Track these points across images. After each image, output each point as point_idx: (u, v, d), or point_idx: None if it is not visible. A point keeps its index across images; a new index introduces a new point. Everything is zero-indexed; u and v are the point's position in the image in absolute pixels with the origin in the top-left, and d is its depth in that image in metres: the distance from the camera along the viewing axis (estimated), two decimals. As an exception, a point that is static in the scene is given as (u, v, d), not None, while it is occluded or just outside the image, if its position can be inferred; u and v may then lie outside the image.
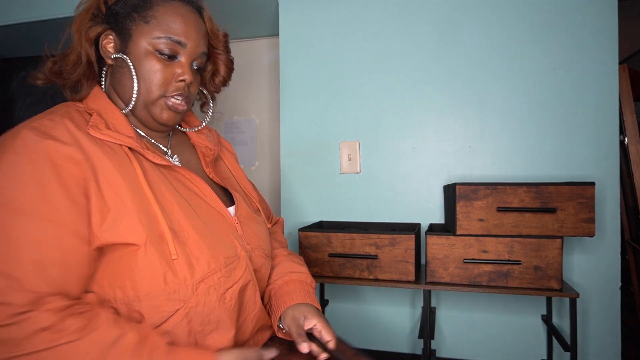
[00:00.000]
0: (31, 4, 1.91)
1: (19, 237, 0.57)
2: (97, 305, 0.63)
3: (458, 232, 1.25)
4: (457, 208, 1.24)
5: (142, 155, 0.72)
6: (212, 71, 0.87)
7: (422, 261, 1.55)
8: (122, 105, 0.76)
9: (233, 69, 0.90)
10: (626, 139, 2.28)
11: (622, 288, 1.42)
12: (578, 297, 1.20)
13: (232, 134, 2.23)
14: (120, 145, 0.69)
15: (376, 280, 1.31)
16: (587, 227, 1.19)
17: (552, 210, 1.19)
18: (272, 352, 0.73)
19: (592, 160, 1.44)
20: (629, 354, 2.24)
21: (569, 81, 1.46)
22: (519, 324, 1.50)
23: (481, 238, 1.24)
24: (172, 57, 0.75)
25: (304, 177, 1.70)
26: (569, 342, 1.21)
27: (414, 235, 1.29)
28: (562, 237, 1.20)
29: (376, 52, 1.63)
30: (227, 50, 0.87)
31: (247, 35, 2.14)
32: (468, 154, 1.54)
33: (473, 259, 1.25)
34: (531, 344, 1.49)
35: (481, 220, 1.23)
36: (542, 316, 1.48)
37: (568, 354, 1.21)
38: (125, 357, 0.58)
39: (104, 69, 0.78)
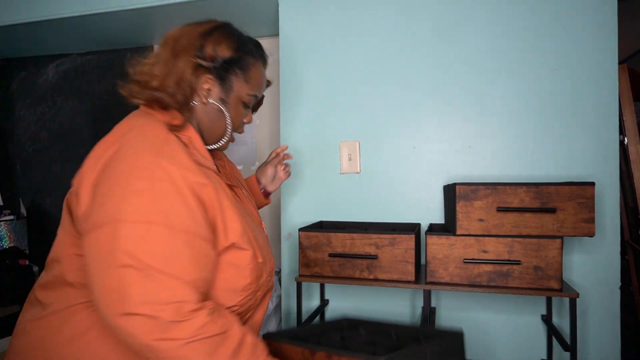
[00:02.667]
0: (31, 4, 1.91)
1: (184, 251, 0.71)
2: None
3: (458, 232, 1.25)
4: (457, 208, 1.24)
5: (219, 176, 0.86)
6: None
7: (422, 261, 1.55)
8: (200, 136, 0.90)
9: (262, 103, 1.08)
10: (626, 139, 2.28)
11: (621, 288, 1.42)
12: (578, 297, 1.20)
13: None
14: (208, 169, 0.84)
15: (376, 280, 1.31)
16: (587, 227, 1.19)
17: (552, 210, 1.19)
18: None
19: (592, 160, 1.44)
20: (629, 354, 2.24)
21: (569, 81, 1.46)
22: (519, 324, 1.50)
23: (481, 238, 1.24)
24: (247, 107, 0.96)
25: (304, 177, 1.70)
26: (569, 342, 1.21)
27: (413, 235, 1.29)
28: (562, 237, 1.20)
29: (376, 52, 1.63)
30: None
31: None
32: (468, 154, 1.54)
33: (473, 259, 1.25)
34: (531, 344, 1.49)
35: (481, 220, 1.23)
36: (542, 316, 1.48)
37: (568, 354, 1.21)
38: (247, 353, 0.73)
39: (193, 103, 0.88)
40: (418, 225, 1.51)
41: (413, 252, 1.28)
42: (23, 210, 2.47)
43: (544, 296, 1.32)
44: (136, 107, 0.89)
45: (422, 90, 1.59)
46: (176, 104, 0.84)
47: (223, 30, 0.91)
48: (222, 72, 0.88)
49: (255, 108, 1.05)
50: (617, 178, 1.43)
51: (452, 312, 1.56)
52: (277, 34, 2.08)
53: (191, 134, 0.85)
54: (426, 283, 1.28)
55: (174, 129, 0.82)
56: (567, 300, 1.42)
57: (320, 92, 1.69)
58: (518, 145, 1.50)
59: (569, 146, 1.46)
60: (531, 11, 1.49)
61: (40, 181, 2.50)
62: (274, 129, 2.17)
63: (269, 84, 1.05)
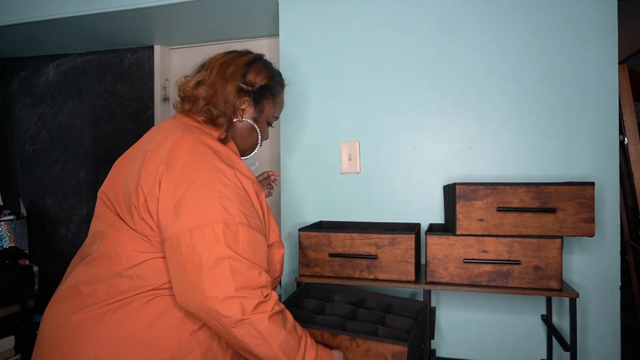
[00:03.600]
0: (31, 4, 1.91)
1: (259, 246, 0.88)
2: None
3: (458, 232, 1.25)
4: (457, 208, 1.24)
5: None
6: None
7: (422, 261, 1.55)
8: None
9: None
10: (626, 139, 2.28)
11: (621, 288, 1.42)
12: (578, 297, 1.20)
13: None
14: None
15: (376, 280, 1.31)
16: (587, 227, 1.19)
17: (552, 210, 1.19)
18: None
19: (592, 160, 1.44)
20: (629, 354, 2.24)
21: (569, 81, 1.46)
22: (519, 324, 1.50)
23: (481, 238, 1.24)
24: (271, 126, 1.18)
25: (304, 177, 1.70)
26: (569, 342, 1.21)
27: (413, 235, 1.29)
28: (562, 237, 1.20)
29: (376, 52, 1.63)
30: None
31: (247, 35, 2.15)
32: (468, 154, 1.54)
33: (473, 259, 1.25)
34: (531, 344, 1.49)
35: (481, 220, 1.23)
36: (542, 316, 1.48)
37: (568, 354, 1.21)
38: (298, 326, 0.91)
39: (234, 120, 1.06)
40: (418, 225, 1.51)
41: (413, 252, 1.28)
42: (23, 210, 2.47)
43: (544, 296, 1.32)
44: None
45: (422, 90, 1.59)
46: (224, 119, 1.01)
47: (262, 62, 1.11)
48: (258, 96, 1.08)
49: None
50: (617, 178, 1.43)
51: (452, 312, 1.56)
52: (277, 34, 2.08)
53: (234, 148, 1.04)
54: (426, 283, 1.28)
55: (222, 142, 1.00)
56: (567, 300, 1.42)
57: (320, 92, 1.69)
58: (518, 145, 1.50)
59: (569, 146, 1.46)
60: (531, 11, 1.49)
61: (40, 181, 2.50)
62: (273, 129, 2.16)
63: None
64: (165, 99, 2.34)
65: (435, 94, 1.57)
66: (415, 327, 1.10)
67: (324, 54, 1.69)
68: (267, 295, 0.85)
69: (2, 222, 2.31)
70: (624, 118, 2.25)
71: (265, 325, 0.82)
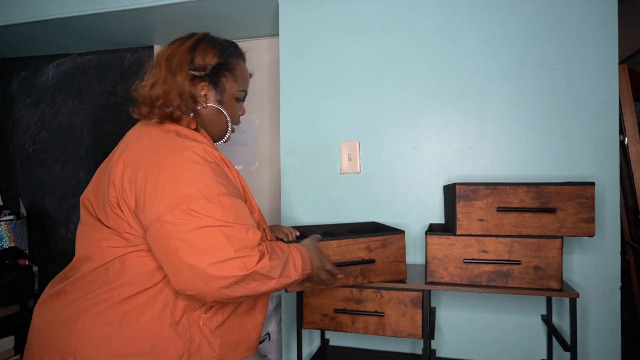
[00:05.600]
0: (31, 4, 1.91)
1: (242, 206, 0.90)
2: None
3: (458, 232, 1.25)
4: (457, 208, 1.24)
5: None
6: None
7: (422, 261, 1.55)
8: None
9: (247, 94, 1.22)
10: (626, 139, 2.28)
11: (622, 288, 1.42)
12: (578, 297, 1.20)
13: (232, 133, 2.23)
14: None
15: (370, 283, 1.27)
16: (587, 227, 1.19)
17: (552, 210, 1.19)
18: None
19: (592, 160, 1.44)
20: (629, 354, 2.24)
21: (569, 81, 1.46)
22: (519, 324, 1.50)
23: (481, 238, 1.24)
24: (240, 100, 1.10)
25: (304, 177, 1.70)
26: (569, 342, 1.21)
27: (404, 234, 1.29)
28: (562, 237, 1.20)
29: (376, 52, 1.63)
30: None
31: (247, 35, 2.14)
32: (468, 154, 1.54)
33: (473, 259, 1.25)
34: (531, 344, 1.49)
35: (481, 220, 1.23)
36: (542, 316, 1.48)
37: (568, 354, 1.21)
38: (287, 256, 0.95)
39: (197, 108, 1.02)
40: (373, 224, 1.50)
41: (404, 251, 1.30)
42: (23, 210, 2.47)
43: (544, 296, 1.31)
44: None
45: (422, 90, 1.59)
46: (184, 114, 0.98)
47: (206, 41, 1.04)
48: (214, 77, 1.02)
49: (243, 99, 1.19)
50: (617, 178, 1.43)
51: (452, 312, 1.56)
52: (277, 34, 2.08)
53: (205, 135, 1.02)
54: (426, 283, 1.28)
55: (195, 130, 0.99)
56: (567, 300, 1.42)
57: (320, 92, 1.69)
58: (518, 145, 1.50)
59: (569, 146, 1.46)
60: (531, 11, 1.49)
61: (40, 181, 2.50)
62: (274, 129, 2.17)
63: (250, 76, 1.17)
64: (165, 99, 2.34)
65: (436, 93, 1.57)
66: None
67: (324, 54, 1.68)
68: (264, 247, 0.89)
69: (2, 222, 2.31)
70: (624, 118, 2.25)
71: (267, 267, 0.86)
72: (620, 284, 1.42)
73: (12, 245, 2.33)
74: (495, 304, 1.52)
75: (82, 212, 0.97)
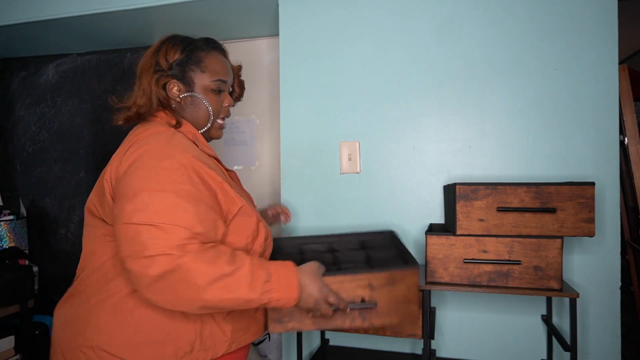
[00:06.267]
0: (31, 4, 1.91)
1: (188, 208, 0.85)
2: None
3: (458, 232, 1.25)
4: (457, 208, 1.24)
5: (219, 163, 1.06)
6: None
7: (422, 261, 1.55)
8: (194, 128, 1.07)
9: (244, 88, 1.22)
10: (626, 139, 2.28)
11: (622, 288, 1.42)
12: (578, 297, 1.20)
13: (232, 134, 2.23)
14: (209, 156, 1.02)
15: (371, 325, 1.00)
16: (587, 227, 1.19)
17: (552, 210, 1.19)
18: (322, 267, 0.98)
19: (592, 160, 1.44)
20: (628, 354, 2.24)
21: (569, 81, 1.46)
22: (519, 324, 1.50)
23: (481, 238, 1.24)
24: (220, 91, 1.08)
25: (304, 177, 1.70)
26: (569, 342, 1.21)
27: (417, 270, 1.01)
28: (562, 237, 1.20)
29: (376, 51, 1.63)
30: (240, 76, 1.20)
31: (247, 35, 2.15)
32: (468, 154, 1.54)
33: (473, 259, 1.25)
34: (531, 344, 1.49)
35: (481, 220, 1.23)
36: (542, 316, 1.48)
37: (568, 354, 1.21)
38: (239, 267, 0.85)
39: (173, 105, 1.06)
40: (392, 233, 1.31)
41: (417, 290, 1.01)
42: (23, 210, 2.47)
43: (544, 296, 1.31)
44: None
45: (422, 90, 1.59)
46: (154, 111, 1.02)
47: (169, 41, 1.07)
48: (179, 72, 1.04)
49: (240, 94, 1.21)
50: (617, 178, 1.43)
51: (452, 312, 1.56)
52: (277, 34, 2.08)
53: (190, 129, 1.04)
54: (426, 283, 1.28)
55: (175, 127, 1.01)
56: (567, 300, 1.42)
57: (320, 92, 1.69)
58: (518, 145, 1.50)
59: (569, 146, 1.46)
60: (531, 11, 1.49)
61: (40, 181, 2.50)
62: (274, 129, 2.17)
63: (239, 68, 1.19)
64: (165, 99, 2.34)
65: (436, 93, 1.57)
66: (404, 251, 1.13)
67: (324, 54, 1.68)
68: (191, 248, 0.82)
69: (2, 222, 2.31)
70: (624, 118, 2.25)
71: (191, 269, 0.80)
72: (620, 284, 1.42)
73: (12, 245, 2.34)
74: (495, 304, 1.52)
75: (87, 216, 1.00)
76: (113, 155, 0.97)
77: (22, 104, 2.55)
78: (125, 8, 1.80)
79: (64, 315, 0.96)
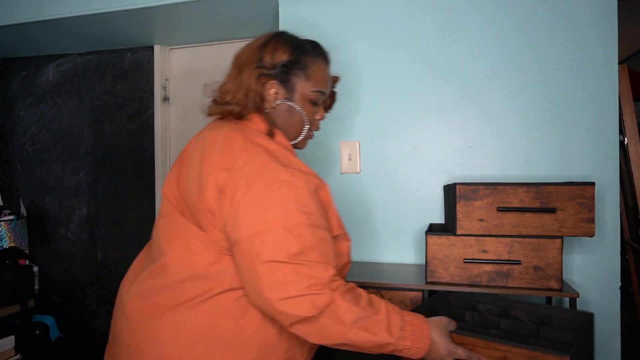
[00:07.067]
0: (31, 4, 1.91)
1: (322, 238, 0.84)
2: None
3: (458, 232, 1.25)
4: (457, 208, 1.24)
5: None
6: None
7: (422, 261, 1.55)
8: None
9: (336, 100, 1.16)
10: (626, 139, 2.28)
11: (621, 288, 1.42)
12: (578, 297, 1.20)
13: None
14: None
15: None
16: (587, 227, 1.19)
17: (552, 210, 1.19)
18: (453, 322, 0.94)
19: (592, 160, 1.44)
20: (628, 354, 2.24)
21: (569, 81, 1.46)
22: (519, 324, 1.50)
23: (481, 238, 1.24)
24: (316, 103, 1.02)
25: (304, 177, 1.70)
26: (569, 342, 1.21)
27: (567, 359, 0.83)
28: (562, 237, 1.20)
29: (376, 51, 1.63)
30: (334, 87, 1.12)
31: (247, 35, 2.14)
32: (468, 154, 1.54)
33: (473, 259, 1.25)
34: (531, 344, 1.49)
35: (481, 220, 1.23)
36: (542, 316, 1.48)
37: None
38: (377, 310, 0.84)
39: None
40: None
41: None
42: (23, 210, 2.47)
43: (544, 296, 1.31)
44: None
45: (422, 90, 1.59)
46: (252, 113, 0.94)
47: (277, 38, 0.99)
48: (283, 75, 0.96)
49: (329, 105, 1.13)
50: (617, 178, 1.43)
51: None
52: (277, 34, 2.07)
53: (283, 141, 0.96)
54: (426, 283, 1.28)
55: (269, 135, 0.93)
56: (567, 300, 1.42)
57: (320, 92, 1.69)
58: (518, 145, 1.50)
59: (569, 146, 1.46)
60: (531, 11, 1.49)
61: (40, 181, 2.50)
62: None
63: (336, 79, 1.12)
64: (165, 99, 2.34)
65: (436, 93, 1.57)
66: (580, 338, 0.91)
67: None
68: (336, 285, 0.82)
69: (2, 222, 2.31)
70: (624, 118, 2.25)
71: (340, 306, 0.80)
72: (620, 284, 1.42)
73: (12, 245, 2.34)
74: (495, 304, 1.52)
75: (165, 205, 0.94)
76: (201, 153, 0.90)
77: (22, 104, 2.55)
78: (125, 8, 1.80)
79: (142, 326, 0.88)
